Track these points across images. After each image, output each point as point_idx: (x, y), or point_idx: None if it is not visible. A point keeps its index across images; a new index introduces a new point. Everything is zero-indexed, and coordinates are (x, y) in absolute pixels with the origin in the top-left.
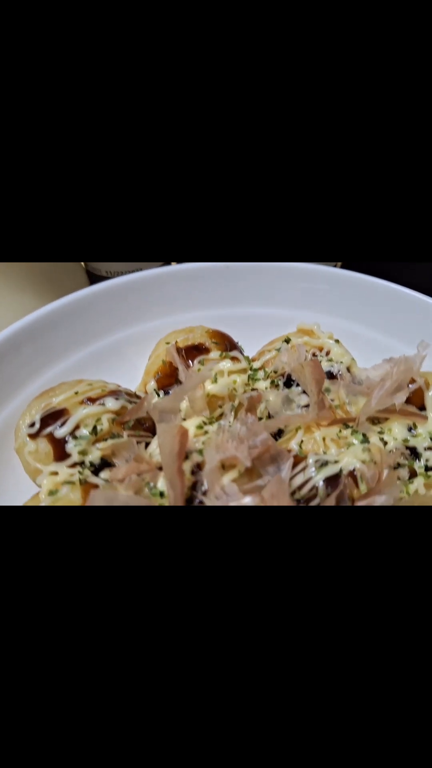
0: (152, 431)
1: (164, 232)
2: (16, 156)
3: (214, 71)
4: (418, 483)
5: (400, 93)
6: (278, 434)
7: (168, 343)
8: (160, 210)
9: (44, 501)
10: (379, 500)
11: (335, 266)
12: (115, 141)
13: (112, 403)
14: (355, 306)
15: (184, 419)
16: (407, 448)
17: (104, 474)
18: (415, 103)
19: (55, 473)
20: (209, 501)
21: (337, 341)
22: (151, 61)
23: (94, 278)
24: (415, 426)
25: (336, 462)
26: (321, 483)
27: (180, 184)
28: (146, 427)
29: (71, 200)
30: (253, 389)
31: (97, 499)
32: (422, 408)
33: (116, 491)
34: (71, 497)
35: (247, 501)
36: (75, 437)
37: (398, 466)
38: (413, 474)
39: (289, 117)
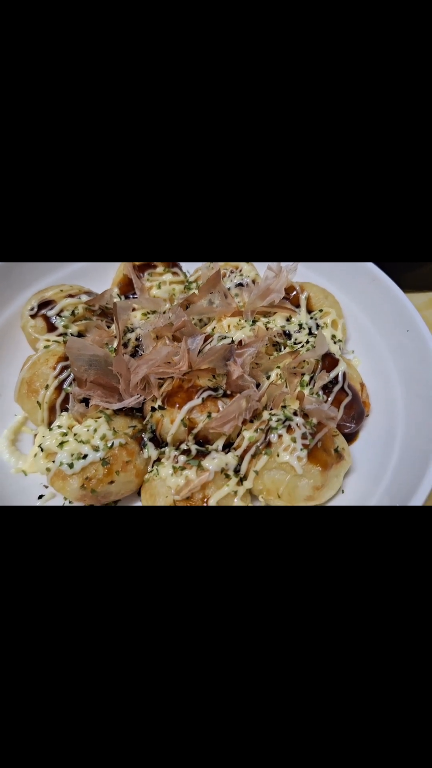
0: (112, 319)
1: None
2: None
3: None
4: (285, 351)
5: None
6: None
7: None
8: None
9: (40, 350)
10: (249, 351)
11: None
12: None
13: (85, 298)
14: None
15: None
16: (284, 332)
17: None
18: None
19: (48, 339)
20: (144, 353)
21: (248, 261)
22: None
23: None
24: (290, 317)
25: (231, 336)
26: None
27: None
28: (109, 317)
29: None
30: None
31: (74, 344)
32: (298, 306)
33: (85, 343)
34: (58, 349)
35: (165, 351)
36: (60, 317)
37: (276, 343)
38: (285, 346)
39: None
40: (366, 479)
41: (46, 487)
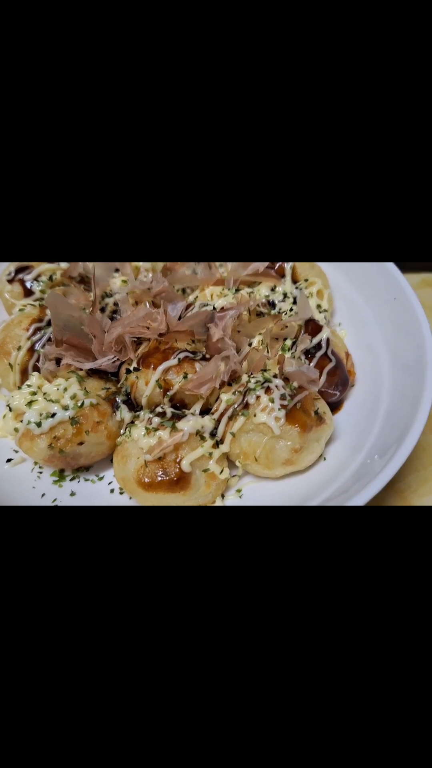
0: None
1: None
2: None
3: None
4: (268, 318)
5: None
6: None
7: None
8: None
9: (15, 314)
10: (231, 313)
11: None
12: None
13: (64, 264)
14: None
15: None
16: (268, 301)
17: None
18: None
19: (24, 305)
20: (121, 317)
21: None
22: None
23: None
24: (275, 287)
25: (212, 304)
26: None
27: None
28: (88, 285)
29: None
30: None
31: (53, 299)
32: (283, 275)
33: (64, 299)
34: (32, 312)
35: (142, 312)
36: (37, 281)
37: (260, 313)
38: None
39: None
40: (348, 448)
41: (17, 451)
